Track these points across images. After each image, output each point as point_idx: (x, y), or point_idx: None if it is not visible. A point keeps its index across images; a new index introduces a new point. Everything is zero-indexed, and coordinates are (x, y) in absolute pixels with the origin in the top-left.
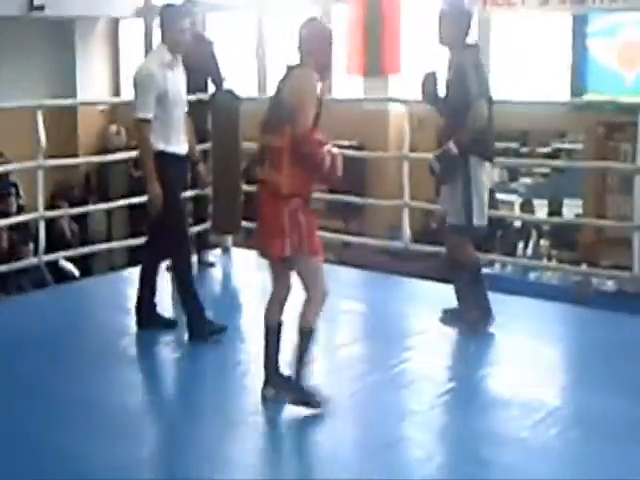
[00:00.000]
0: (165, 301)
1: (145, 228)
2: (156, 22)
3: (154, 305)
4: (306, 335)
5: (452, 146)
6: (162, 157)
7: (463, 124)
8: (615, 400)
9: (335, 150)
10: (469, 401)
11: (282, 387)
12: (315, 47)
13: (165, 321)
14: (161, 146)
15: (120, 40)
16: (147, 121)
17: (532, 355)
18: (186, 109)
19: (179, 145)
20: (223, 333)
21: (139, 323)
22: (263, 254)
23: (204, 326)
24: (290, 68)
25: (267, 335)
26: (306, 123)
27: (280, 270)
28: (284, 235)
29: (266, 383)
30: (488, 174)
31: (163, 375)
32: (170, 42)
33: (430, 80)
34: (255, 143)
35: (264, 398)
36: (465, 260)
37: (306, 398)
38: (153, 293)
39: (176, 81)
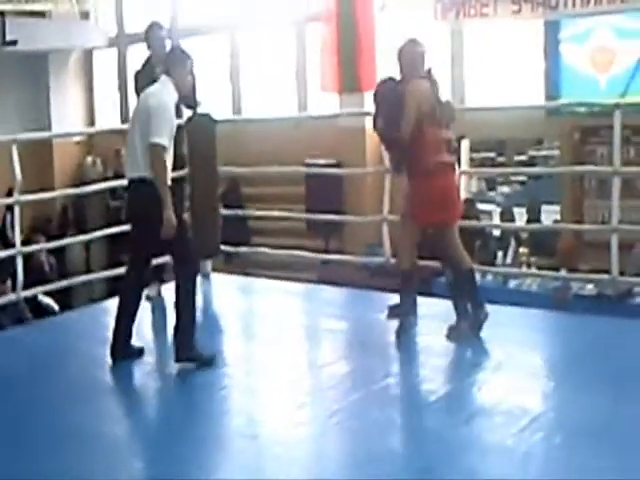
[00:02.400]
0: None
1: (128, 256)
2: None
3: (130, 336)
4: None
5: None
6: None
7: None
8: (597, 401)
9: None
10: (453, 411)
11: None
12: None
13: (136, 350)
14: None
15: (94, 70)
16: (165, 148)
17: (514, 362)
18: None
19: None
20: (212, 364)
21: (114, 353)
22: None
23: (194, 354)
24: None
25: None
26: None
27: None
28: None
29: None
30: None
31: (147, 403)
32: (178, 81)
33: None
34: (231, 167)
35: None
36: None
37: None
38: (132, 323)
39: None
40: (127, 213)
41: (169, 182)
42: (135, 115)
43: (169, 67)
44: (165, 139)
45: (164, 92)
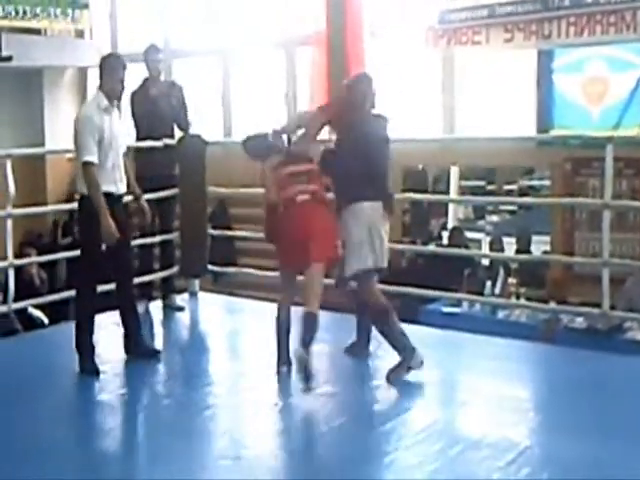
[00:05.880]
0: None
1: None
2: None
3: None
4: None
5: None
6: None
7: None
8: (585, 440)
9: None
10: (439, 442)
11: None
12: None
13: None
14: None
15: (88, 89)
16: (92, 164)
17: (502, 395)
18: (124, 151)
19: (113, 185)
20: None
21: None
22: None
23: (87, 364)
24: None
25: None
26: None
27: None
28: None
29: None
30: (368, 216)
31: (133, 419)
32: (108, 90)
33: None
34: (220, 188)
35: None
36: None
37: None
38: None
39: (112, 125)
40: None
41: (117, 188)
42: None
43: (100, 75)
44: (91, 155)
45: (90, 104)
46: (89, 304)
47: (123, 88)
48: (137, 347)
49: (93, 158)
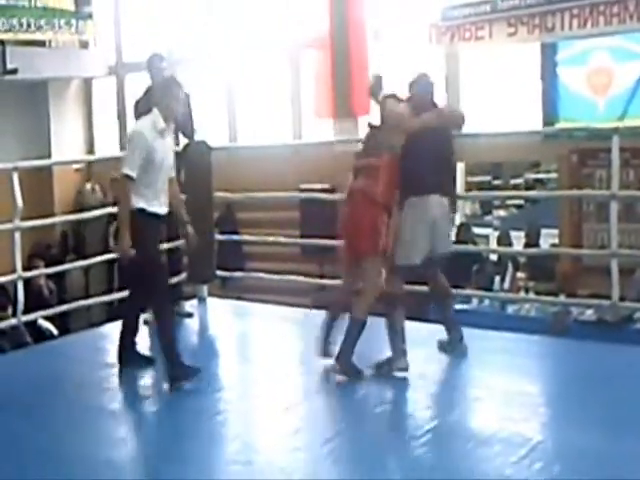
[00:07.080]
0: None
1: (123, 281)
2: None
3: (135, 345)
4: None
5: None
6: (142, 214)
7: None
8: (597, 433)
9: None
10: (451, 439)
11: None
12: None
13: (145, 358)
14: (142, 204)
15: (93, 99)
16: (131, 178)
17: (513, 390)
18: (173, 174)
19: (159, 206)
20: (198, 375)
21: (121, 361)
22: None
23: (184, 371)
24: None
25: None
26: None
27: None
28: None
29: None
30: (424, 209)
31: (145, 427)
32: (165, 110)
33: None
34: (226, 193)
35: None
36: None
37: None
38: (134, 337)
39: (165, 148)
40: None
41: (162, 210)
42: None
43: (158, 97)
44: (132, 170)
45: (146, 121)
46: (169, 315)
47: (179, 108)
48: (133, 356)
49: (133, 173)
